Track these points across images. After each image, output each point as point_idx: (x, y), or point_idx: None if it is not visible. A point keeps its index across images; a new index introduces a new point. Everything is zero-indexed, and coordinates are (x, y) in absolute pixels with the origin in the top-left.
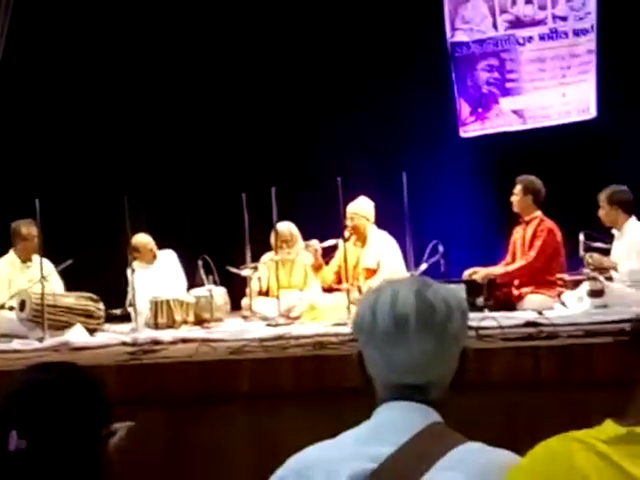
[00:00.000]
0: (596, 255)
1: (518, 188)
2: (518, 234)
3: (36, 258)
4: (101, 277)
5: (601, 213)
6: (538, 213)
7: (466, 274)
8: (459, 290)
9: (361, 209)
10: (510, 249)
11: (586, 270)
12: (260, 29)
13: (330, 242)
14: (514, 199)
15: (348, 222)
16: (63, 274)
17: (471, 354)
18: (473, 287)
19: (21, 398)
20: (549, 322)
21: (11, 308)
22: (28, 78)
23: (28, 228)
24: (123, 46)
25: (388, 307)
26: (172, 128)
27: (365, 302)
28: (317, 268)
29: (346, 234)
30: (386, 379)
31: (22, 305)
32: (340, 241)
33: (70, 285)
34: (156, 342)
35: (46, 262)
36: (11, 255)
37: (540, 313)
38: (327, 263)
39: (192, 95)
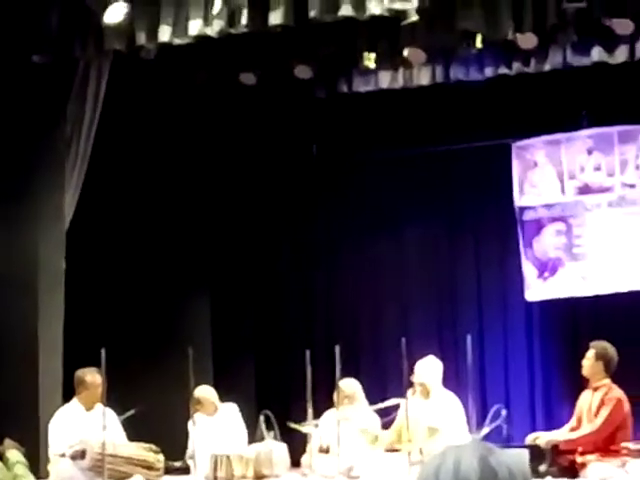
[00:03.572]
0: None
1: (591, 353)
2: (585, 399)
3: (99, 407)
4: (163, 428)
5: None
6: (607, 381)
7: (529, 439)
8: (523, 456)
9: (430, 375)
10: (576, 413)
11: None
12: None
13: (392, 401)
14: (585, 363)
15: (415, 381)
16: (125, 424)
17: None
18: (536, 452)
19: None
20: None
21: (73, 457)
22: (96, 233)
23: (93, 377)
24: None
25: (451, 473)
26: (244, 287)
27: (429, 466)
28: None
29: (409, 393)
30: None
31: (83, 454)
32: (403, 401)
33: (132, 435)
34: None
35: (109, 411)
36: (75, 403)
37: None
38: (389, 423)
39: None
